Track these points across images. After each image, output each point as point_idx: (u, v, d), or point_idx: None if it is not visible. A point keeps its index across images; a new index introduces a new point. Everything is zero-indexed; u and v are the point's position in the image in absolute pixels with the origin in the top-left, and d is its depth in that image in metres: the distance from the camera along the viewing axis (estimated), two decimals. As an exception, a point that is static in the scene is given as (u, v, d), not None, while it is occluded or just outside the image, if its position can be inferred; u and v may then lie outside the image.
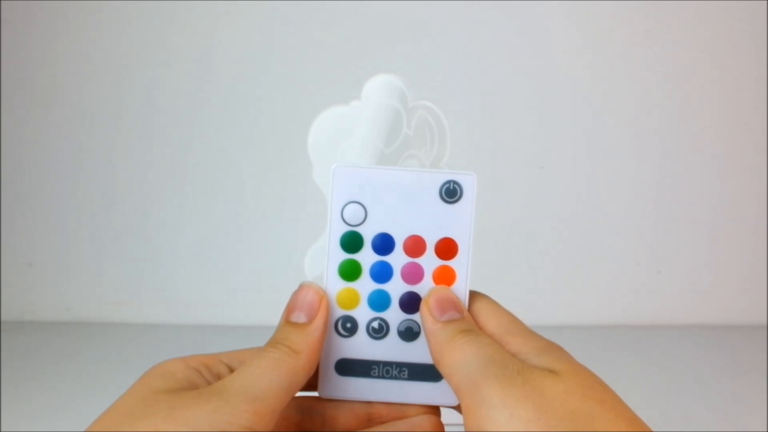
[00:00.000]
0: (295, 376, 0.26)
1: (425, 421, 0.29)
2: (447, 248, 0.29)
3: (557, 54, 0.84)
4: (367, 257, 0.29)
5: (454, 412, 0.33)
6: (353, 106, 0.51)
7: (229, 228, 0.88)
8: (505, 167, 0.85)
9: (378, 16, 0.83)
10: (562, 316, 0.86)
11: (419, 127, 0.51)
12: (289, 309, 0.28)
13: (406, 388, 0.29)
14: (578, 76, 0.84)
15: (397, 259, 0.29)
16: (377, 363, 0.29)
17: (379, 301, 0.29)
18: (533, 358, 0.26)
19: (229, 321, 0.86)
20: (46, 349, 0.81)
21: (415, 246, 0.29)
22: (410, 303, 0.29)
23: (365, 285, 0.29)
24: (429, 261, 0.29)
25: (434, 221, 0.28)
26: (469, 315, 0.29)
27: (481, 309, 0.30)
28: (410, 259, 0.29)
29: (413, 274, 0.29)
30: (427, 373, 0.29)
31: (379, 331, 0.29)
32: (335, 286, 0.29)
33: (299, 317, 0.27)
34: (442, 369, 0.27)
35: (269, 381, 0.25)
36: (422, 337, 0.29)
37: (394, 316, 0.29)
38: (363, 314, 0.29)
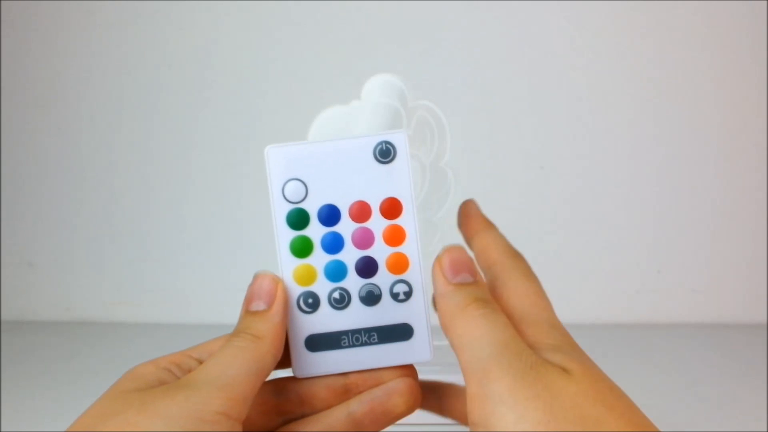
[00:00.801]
0: (261, 361, 0.26)
1: (400, 384, 0.29)
2: (391, 208, 0.29)
3: (557, 54, 0.84)
4: (316, 231, 0.29)
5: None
6: (353, 106, 0.51)
7: (229, 228, 0.88)
8: (505, 167, 0.85)
9: (378, 16, 0.83)
10: (562, 315, 0.85)
11: (419, 127, 0.51)
12: (248, 299, 0.29)
13: (379, 351, 0.29)
14: (578, 76, 0.84)
15: (346, 227, 0.29)
16: (345, 333, 0.29)
17: (336, 271, 0.29)
18: (547, 353, 0.25)
19: (230, 321, 0.86)
20: (46, 349, 0.81)
21: (361, 211, 0.29)
22: (366, 267, 0.29)
23: (319, 258, 0.29)
24: (377, 223, 0.29)
25: (374, 184, 0.29)
26: (483, 280, 0.28)
27: (508, 282, 0.29)
28: (358, 225, 0.29)
29: (364, 238, 0.29)
30: (397, 332, 0.29)
31: (341, 301, 0.29)
32: (290, 264, 0.29)
33: (258, 305, 0.28)
34: (451, 338, 0.26)
35: (237, 368, 0.25)
36: (385, 299, 0.29)
37: (353, 283, 0.29)
38: (322, 287, 0.29)
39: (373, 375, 0.29)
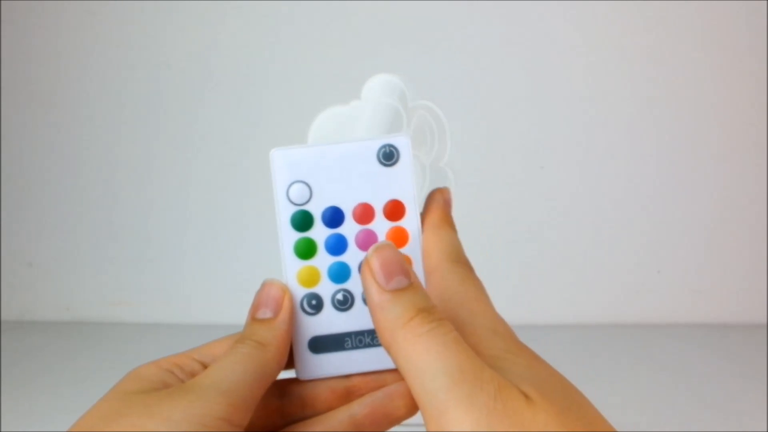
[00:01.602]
0: (264, 369, 0.26)
1: (402, 386, 0.28)
2: (395, 210, 0.29)
3: (557, 54, 0.84)
4: (319, 233, 0.29)
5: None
6: (353, 106, 0.51)
7: (229, 228, 0.88)
8: (505, 167, 0.85)
9: (378, 16, 0.83)
10: (562, 315, 0.86)
11: (419, 127, 0.51)
12: (255, 307, 0.29)
13: (383, 353, 0.28)
14: (578, 76, 0.84)
15: (349, 229, 0.29)
16: (349, 334, 0.29)
17: (340, 273, 0.29)
18: (505, 366, 0.23)
19: (229, 321, 0.86)
20: (46, 349, 0.81)
21: (364, 213, 0.29)
22: None
23: (323, 260, 0.29)
24: (380, 225, 0.29)
25: (378, 186, 0.29)
26: (418, 280, 0.25)
27: (435, 272, 0.28)
28: (362, 227, 0.29)
29: (367, 240, 0.29)
30: None
31: (344, 303, 0.29)
32: (293, 266, 0.29)
33: (265, 313, 0.28)
34: (396, 360, 0.24)
35: (240, 374, 0.25)
36: None
37: (357, 284, 0.29)
38: (326, 289, 0.29)
39: (375, 378, 0.29)
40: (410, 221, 0.29)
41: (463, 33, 0.84)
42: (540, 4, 0.82)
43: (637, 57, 0.83)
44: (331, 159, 0.29)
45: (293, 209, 0.29)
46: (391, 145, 0.29)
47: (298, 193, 0.29)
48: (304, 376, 0.29)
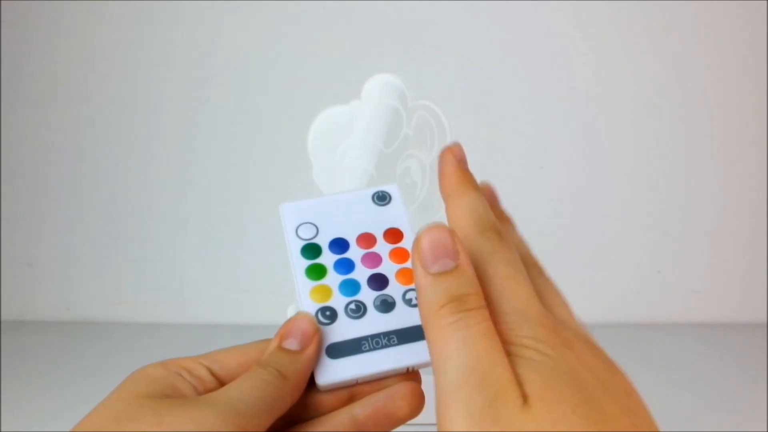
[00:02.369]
0: (280, 400, 0.26)
1: (403, 387, 0.28)
2: (394, 235, 0.32)
3: (557, 54, 0.84)
4: (328, 259, 0.32)
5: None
6: (353, 106, 0.51)
7: (229, 227, 0.88)
8: (505, 167, 0.85)
9: (378, 16, 0.83)
10: (562, 316, 0.86)
11: (419, 127, 0.51)
12: (283, 334, 0.28)
13: (400, 352, 0.29)
14: (578, 76, 0.84)
15: (355, 253, 0.32)
16: (365, 338, 0.29)
17: (350, 288, 0.31)
18: (526, 356, 0.23)
19: (230, 320, 0.86)
20: (46, 349, 0.81)
21: (367, 240, 0.32)
22: (378, 281, 0.31)
23: (333, 279, 0.31)
24: (383, 248, 0.32)
25: (376, 220, 0.33)
26: (468, 263, 0.25)
27: (480, 265, 0.26)
28: (366, 251, 0.32)
29: (373, 260, 0.32)
30: (415, 333, 0.29)
31: (357, 311, 0.30)
32: (306, 287, 0.31)
33: (292, 344, 0.28)
34: (428, 344, 0.24)
35: (258, 399, 0.25)
36: (400, 305, 0.30)
37: (367, 295, 0.30)
38: (338, 301, 0.30)
39: (378, 380, 0.29)
40: (410, 242, 0.31)
41: (463, 33, 0.84)
42: (540, 4, 0.82)
43: (638, 57, 0.83)
44: (333, 206, 0.33)
45: (302, 243, 0.32)
46: (383, 191, 0.34)
47: (305, 231, 0.33)
48: (324, 382, 0.29)
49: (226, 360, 0.28)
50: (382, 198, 0.33)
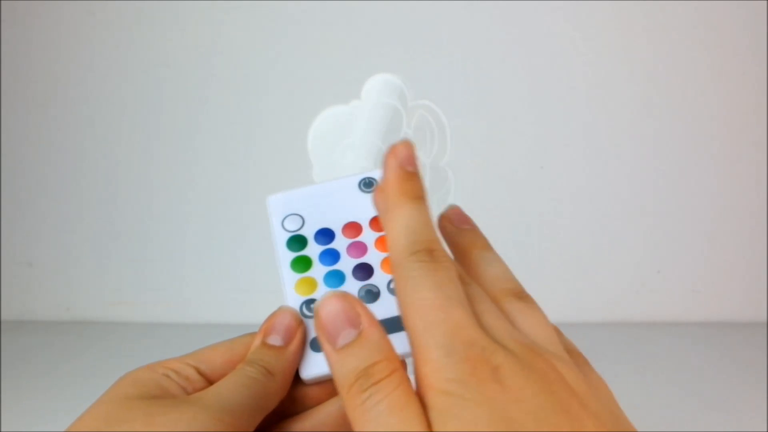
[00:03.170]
0: (267, 397, 0.26)
1: None
2: (380, 222, 0.30)
3: (557, 54, 0.84)
4: (313, 250, 0.31)
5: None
6: (353, 106, 0.51)
7: (229, 227, 0.88)
8: (505, 167, 0.85)
9: (378, 16, 0.83)
10: (562, 314, 0.86)
11: (419, 127, 0.51)
12: (266, 330, 0.28)
13: None
14: (578, 75, 0.84)
15: (340, 243, 0.31)
16: None
17: (335, 279, 0.31)
18: (448, 409, 0.21)
19: (230, 320, 0.86)
20: (46, 349, 0.81)
21: (353, 229, 0.32)
22: (363, 271, 0.31)
23: (318, 271, 0.31)
24: (368, 236, 0.31)
25: (362, 207, 0.32)
26: (371, 324, 0.24)
27: (395, 273, 0.24)
28: (352, 240, 0.31)
29: (358, 249, 0.31)
30: (399, 323, 0.28)
31: None
32: (291, 280, 0.31)
33: (275, 340, 0.28)
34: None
35: (246, 398, 0.25)
36: (384, 295, 0.30)
37: (352, 286, 0.30)
38: (323, 293, 0.29)
39: None
40: None
41: (463, 33, 0.84)
42: (540, 4, 0.82)
43: (638, 57, 0.83)
44: (319, 195, 0.33)
45: (288, 235, 0.32)
46: (370, 177, 0.33)
47: (291, 222, 0.32)
48: (308, 375, 0.29)
49: (212, 357, 0.28)
50: (368, 185, 0.33)
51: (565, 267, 0.87)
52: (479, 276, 0.28)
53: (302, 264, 0.31)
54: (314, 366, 0.29)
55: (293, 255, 0.31)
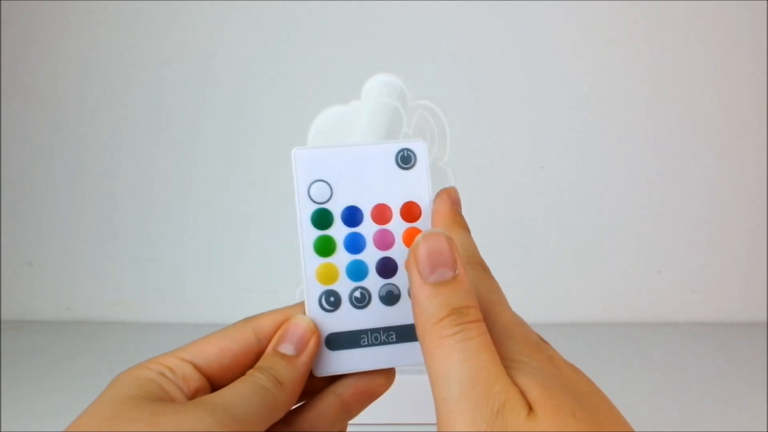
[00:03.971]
0: (274, 406, 0.26)
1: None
2: (411, 211, 0.30)
3: (557, 54, 0.84)
4: (339, 231, 0.30)
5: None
6: (353, 106, 0.51)
7: (230, 227, 0.88)
8: (505, 167, 0.85)
9: (378, 16, 0.83)
10: (562, 314, 0.86)
11: (419, 127, 0.51)
12: (279, 339, 0.28)
13: (396, 350, 0.29)
14: (578, 75, 0.84)
15: (367, 228, 0.30)
16: (365, 332, 0.29)
17: (358, 271, 0.30)
18: (517, 369, 0.24)
19: (230, 320, 0.86)
20: (46, 349, 0.81)
21: (382, 214, 0.30)
22: (386, 268, 0.30)
23: (342, 258, 0.30)
24: (397, 226, 0.30)
25: (395, 188, 0.30)
26: (465, 274, 0.25)
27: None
28: (380, 227, 0.30)
29: (384, 240, 0.30)
30: (414, 332, 0.28)
31: (361, 300, 0.29)
32: (313, 263, 0.30)
33: (287, 349, 0.28)
34: (423, 355, 0.24)
35: (255, 406, 0.25)
36: (404, 299, 0.29)
37: (374, 283, 0.29)
38: (344, 286, 0.29)
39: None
40: (426, 223, 0.30)
41: (463, 33, 0.84)
42: (540, 4, 0.82)
43: (638, 57, 0.83)
44: (351, 160, 0.30)
45: (314, 207, 0.30)
46: (409, 149, 0.30)
47: (318, 191, 0.30)
48: (321, 373, 0.29)
49: (206, 349, 0.28)
50: (406, 159, 0.30)
51: (565, 267, 0.87)
52: None
53: (326, 246, 0.29)
54: (327, 365, 0.29)
55: (317, 233, 0.30)
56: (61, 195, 0.89)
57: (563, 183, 0.86)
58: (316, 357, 0.29)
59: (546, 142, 0.85)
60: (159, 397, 0.25)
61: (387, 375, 0.29)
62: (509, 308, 0.27)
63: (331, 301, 0.29)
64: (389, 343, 0.29)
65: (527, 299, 0.88)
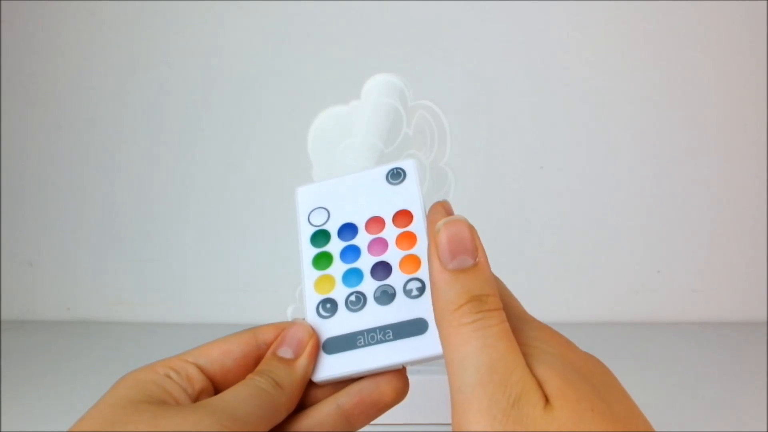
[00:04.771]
0: (275, 409, 0.26)
1: (389, 373, 0.29)
2: (403, 218, 0.32)
3: (557, 54, 0.84)
4: (335, 246, 0.32)
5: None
6: (353, 106, 0.51)
7: (230, 227, 0.88)
8: (505, 167, 0.85)
9: (378, 16, 0.83)
10: (562, 314, 0.86)
11: (419, 127, 0.51)
12: (278, 342, 0.29)
13: (394, 348, 0.29)
14: (578, 75, 0.84)
15: (362, 240, 0.31)
16: (361, 333, 0.29)
17: (353, 278, 0.31)
18: (535, 355, 0.24)
19: (230, 320, 0.86)
20: (46, 349, 0.81)
21: (376, 225, 0.32)
22: (381, 270, 0.31)
23: (338, 268, 0.31)
24: (390, 232, 0.31)
25: (387, 201, 0.32)
26: (486, 262, 0.25)
27: None
28: (373, 236, 0.31)
29: (378, 246, 0.31)
30: (411, 327, 0.29)
31: (356, 303, 0.30)
32: (311, 276, 0.31)
33: (286, 352, 0.28)
34: (441, 342, 0.24)
35: (255, 408, 0.25)
36: (399, 297, 0.30)
37: (369, 286, 0.30)
38: (340, 293, 0.30)
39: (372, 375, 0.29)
40: (418, 226, 0.31)
41: (463, 33, 0.84)
42: (540, 4, 0.82)
43: (638, 57, 0.83)
44: (346, 187, 0.33)
45: (313, 230, 0.32)
46: (398, 168, 0.33)
47: (317, 217, 0.33)
48: (320, 378, 0.29)
49: (209, 350, 0.28)
50: (396, 176, 0.33)
51: (564, 267, 0.87)
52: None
53: (323, 261, 0.31)
54: (325, 369, 0.29)
55: (316, 251, 0.32)
56: (61, 195, 0.89)
57: (563, 183, 0.86)
58: (314, 363, 0.29)
59: (546, 142, 0.85)
60: (160, 400, 0.25)
61: (393, 384, 0.28)
62: (518, 301, 0.28)
63: (328, 307, 0.30)
64: (386, 341, 0.29)
65: (527, 299, 0.88)
